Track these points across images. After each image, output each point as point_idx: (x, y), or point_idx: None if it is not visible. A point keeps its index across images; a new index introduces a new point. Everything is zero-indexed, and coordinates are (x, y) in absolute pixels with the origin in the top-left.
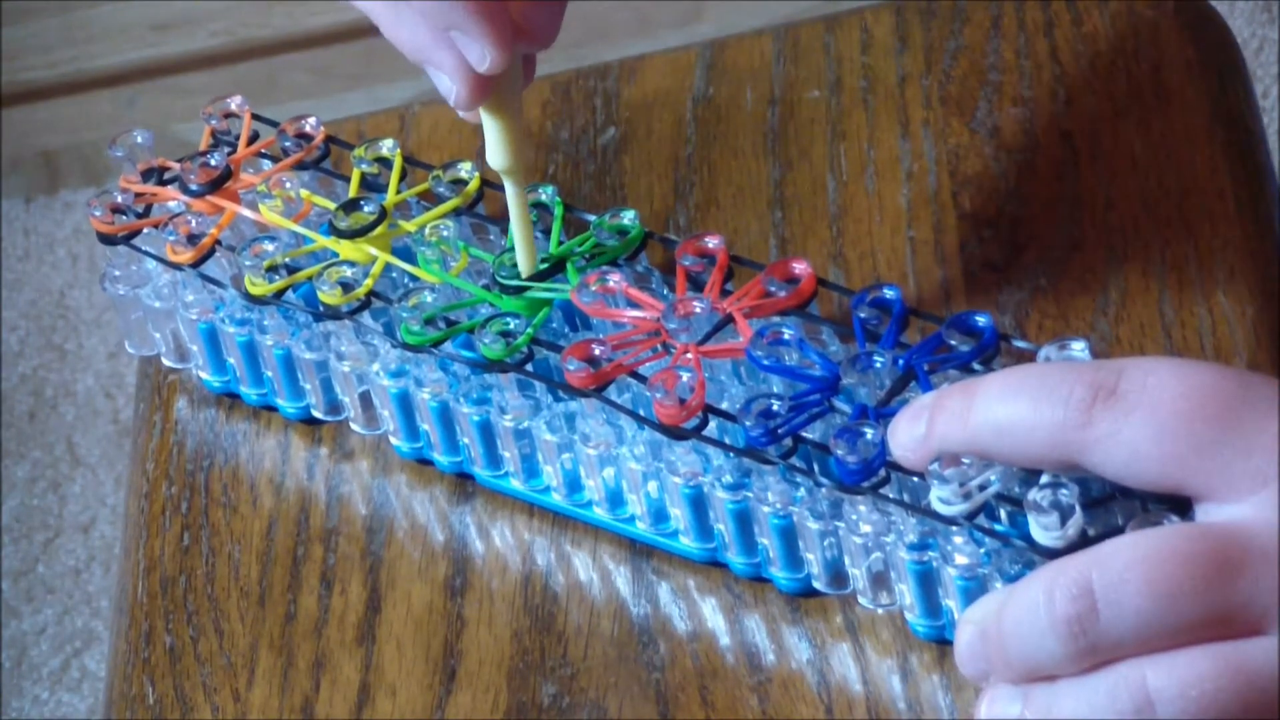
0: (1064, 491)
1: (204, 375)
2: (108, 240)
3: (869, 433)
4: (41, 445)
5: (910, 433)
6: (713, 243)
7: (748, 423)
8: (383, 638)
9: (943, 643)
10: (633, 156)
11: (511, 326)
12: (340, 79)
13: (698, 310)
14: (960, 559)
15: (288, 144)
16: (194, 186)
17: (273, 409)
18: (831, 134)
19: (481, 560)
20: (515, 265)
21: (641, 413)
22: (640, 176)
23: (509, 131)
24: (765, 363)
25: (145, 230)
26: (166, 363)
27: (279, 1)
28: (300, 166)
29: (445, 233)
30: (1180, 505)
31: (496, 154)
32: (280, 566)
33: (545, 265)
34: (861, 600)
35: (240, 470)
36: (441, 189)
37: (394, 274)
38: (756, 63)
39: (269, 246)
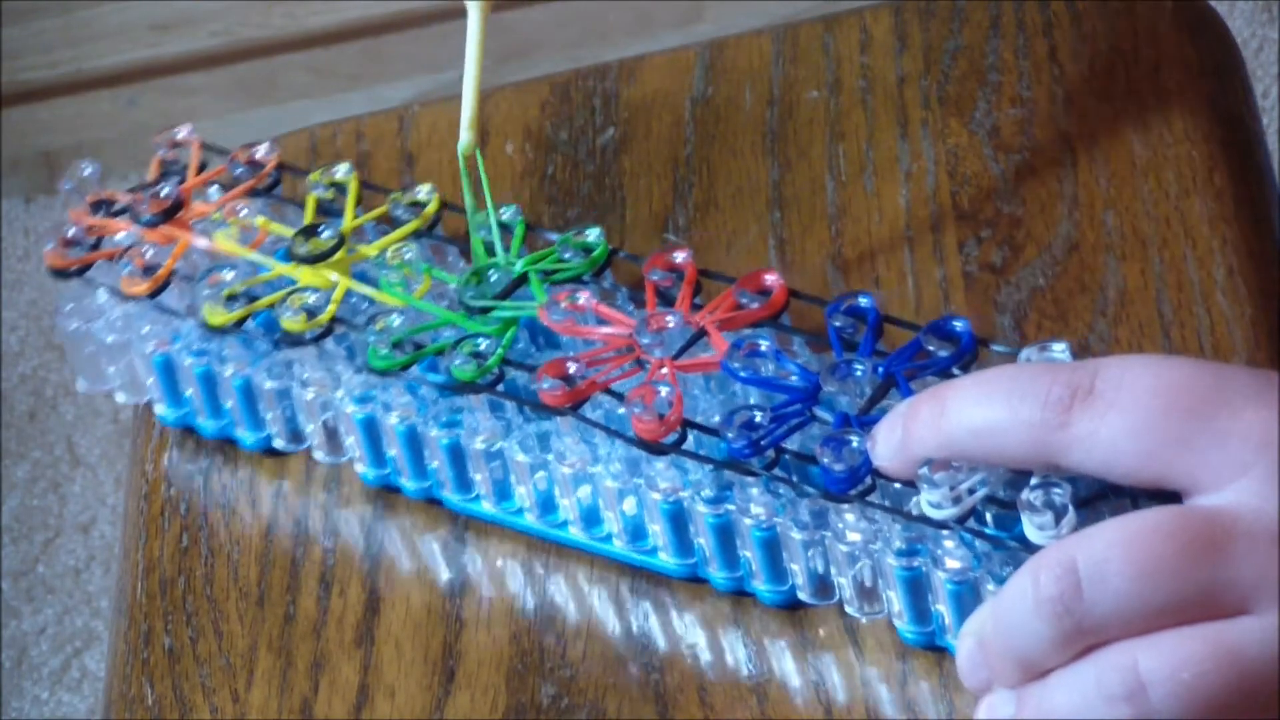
0: (1057, 491)
1: (159, 409)
2: (61, 274)
3: (854, 440)
4: (41, 445)
5: (888, 441)
6: (680, 257)
7: (730, 435)
8: (381, 639)
9: (932, 649)
10: (632, 157)
11: (482, 347)
12: (340, 79)
13: (670, 324)
14: (951, 563)
15: (239, 171)
16: (146, 217)
17: (231, 442)
18: (830, 134)
19: (480, 562)
20: (480, 284)
21: (616, 429)
22: (639, 177)
23: None
24: (743, 375)
25: (98, 264)
26: (120, 398)
27: (279, 1)
28: (252, 194)
29: (408, 255)
30: (1171, 500)
31: None
32: (279, 568)
33: (508, 282)
34: (849, 609)
35: (239, 471)
36: (400, 212)
37: (353, 299)
38: (756, 63)
39: (228, 275)
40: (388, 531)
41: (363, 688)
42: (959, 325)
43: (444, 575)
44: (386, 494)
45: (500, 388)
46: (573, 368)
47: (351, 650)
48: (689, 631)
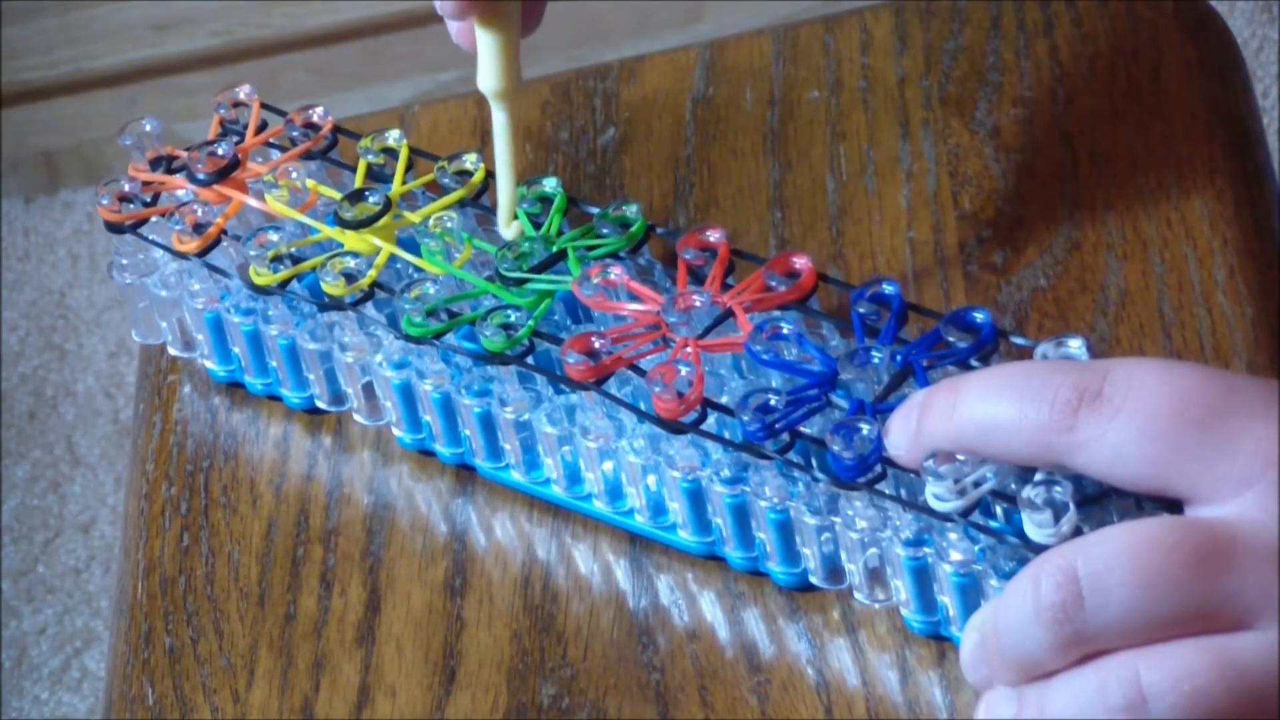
0: (1058, 489)
1: (209, 365)
2: (115, 229)
3: (865, 428)
4: (41, 445)
5: (902, 431)
6: (714, 236)
7: (745, 417)
8: (382, 638)
9: (938, 639)
10: (632, 157)
11: (513, 319)
12: (340, 79)
13: (697, 304)
14: (955, 555)
15: (295, 134)
16: (201, 175)
17: (276, 399)
18: (831, 134)
19: (480, 560)
20: (519, 257)
21: (642, 406)
22: (640, 177)
23: (503, 51)
24: (764, 357)
25: (153, 219)
26: (172, 351)
27: (279, 1)
28: (308, 156)
29: (449, 224)
30: (1174, 504)
31: (487, 75)
32: (280, 567)
33: (547, 256)
34: (858, 595)
35: (240, 471)
36: (446, 180)
37: (399, 265)
38: (756, 63)
39: (274, 236)
40: (389, 531)
41: (363, 687)
42: (980, 317)
43: (444, 575)
44: (388, 485)
45: (531, 360)
46: (598, 343)
47: (352, 650)
48: (689, 630)
